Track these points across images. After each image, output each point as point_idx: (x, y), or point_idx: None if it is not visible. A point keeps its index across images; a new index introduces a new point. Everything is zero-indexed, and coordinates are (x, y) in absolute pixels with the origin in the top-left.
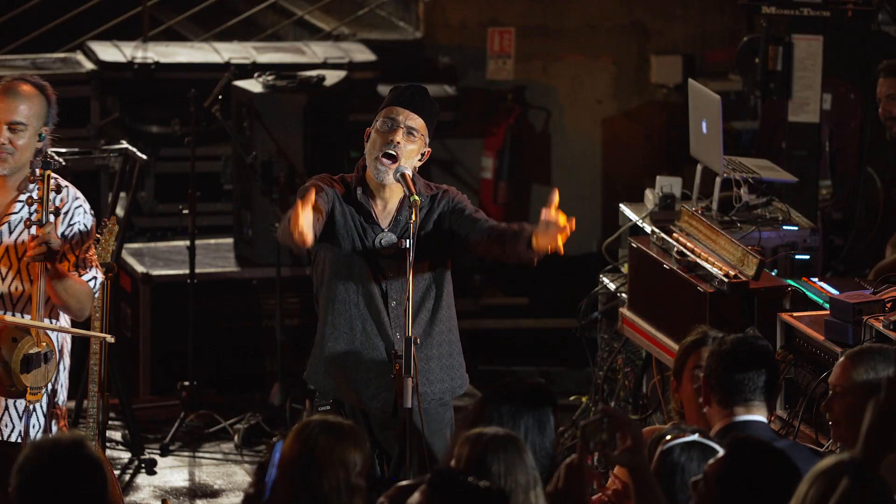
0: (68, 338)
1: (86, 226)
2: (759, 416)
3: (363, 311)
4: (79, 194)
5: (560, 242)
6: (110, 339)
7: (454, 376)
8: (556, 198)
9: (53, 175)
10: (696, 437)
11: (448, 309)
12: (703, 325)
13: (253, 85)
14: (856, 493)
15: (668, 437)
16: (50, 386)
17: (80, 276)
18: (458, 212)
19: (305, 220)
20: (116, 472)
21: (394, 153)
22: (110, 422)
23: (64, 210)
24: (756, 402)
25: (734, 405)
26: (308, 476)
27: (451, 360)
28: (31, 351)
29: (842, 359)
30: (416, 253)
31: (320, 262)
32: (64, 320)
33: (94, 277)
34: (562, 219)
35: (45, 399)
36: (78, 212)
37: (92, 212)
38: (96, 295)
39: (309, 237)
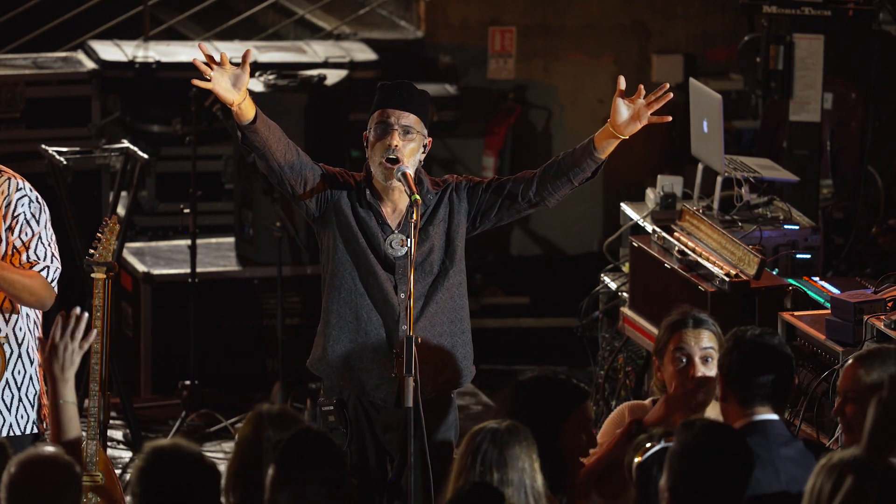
0: (34, 332)
1: (34, 215)
2: (776, 416)
3: (371, 301)
4: (23, 184)
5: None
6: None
7: (457, 368)
8: (623, 83)
9: (2, 167)
10: (662, 443)
11: (453, 300)
12: (686, 306)
13: (254, 84)
14: (861, 491)
15: (648, 445)
16: (6, 379)
17: (31, 267)
18: (472, 190)
19: (220, 88)
20: (118, 472)
21: (395, 157)
22: (111, 421)
23: (5, 203)
24: (772, 402)
25: (753, 406)
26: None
27: (454, 352)
28: None
29: (850, 362)
30: (424, 248)
31: (326, 249)
32: (34, 315)
33: (46, 267)
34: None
35: (8, 394)
36: (21, 202)
37: (40, 200)
38: (54, 284)
39: (229, 96)
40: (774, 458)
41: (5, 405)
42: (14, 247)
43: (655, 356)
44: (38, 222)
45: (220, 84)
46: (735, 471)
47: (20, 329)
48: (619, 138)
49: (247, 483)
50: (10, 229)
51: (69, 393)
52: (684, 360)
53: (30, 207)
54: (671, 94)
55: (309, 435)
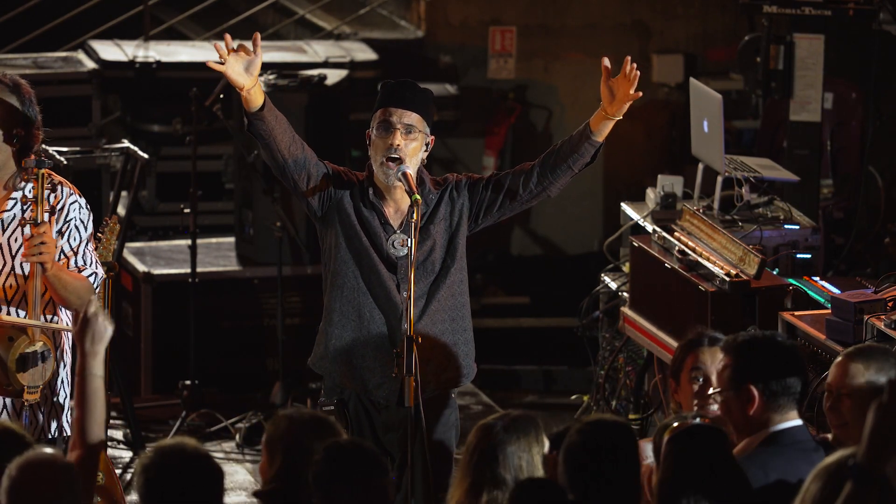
0: (67, 337)
1: (83, 221)
2: (798, 421)
3: (373, 299)
4: (74, 191)
5: (632, 90)
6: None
7: (459, 365)
8: (608, 64)
9: (51, 173)
10: (697, 421)
11: (454, 298)
12: (700, 326)
13: None
14: (860, 497)
15: (675, 425)
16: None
17: (80, 272)
18: (473, 187)
19: (232, 72)
20: (118, 472)
21: (397, 157)
22: (112, 421)
23: (58, 207)
24: (794, 407)
25: (773, 412)
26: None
27: (456, 350)
28: (28, 350)
29: (840, 359)
30: (426, 247)
31: (329, 247)
32: (66, 316)
33: (94, 273)
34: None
35: (42, 396)
36: (73, 208)
37: (88, 207)
38: (97, 290)
39: (241, 80)
40: (814, 461)
41: (41, 408)
42: (63, 251)
43: (671, 377)
44: (85, 229)
45: (234, 68)
46: (615, 468)
47: (56, 333)
48: (612, 120)
49: (285, 487)
50: (61, 233)
51: (97, 366)
52: (701, 380)
53: (80, 213)
54: (635, 65)
55: (353, 444)
